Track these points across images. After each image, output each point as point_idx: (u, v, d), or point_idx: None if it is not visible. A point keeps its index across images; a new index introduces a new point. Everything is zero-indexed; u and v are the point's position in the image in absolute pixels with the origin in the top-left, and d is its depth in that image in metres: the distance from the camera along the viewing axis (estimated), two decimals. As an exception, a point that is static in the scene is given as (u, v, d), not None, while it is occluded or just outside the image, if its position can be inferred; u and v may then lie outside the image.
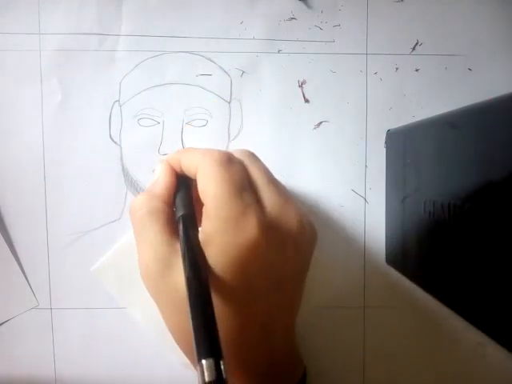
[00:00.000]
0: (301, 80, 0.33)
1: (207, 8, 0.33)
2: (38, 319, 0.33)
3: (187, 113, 0.33)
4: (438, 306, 0.32)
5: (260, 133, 0.33)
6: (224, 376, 0.17)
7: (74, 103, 0.33)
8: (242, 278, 0.22)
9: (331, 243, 0.33)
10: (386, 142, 0.33)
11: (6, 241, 0.32)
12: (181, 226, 0.23)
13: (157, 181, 0.26)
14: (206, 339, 0.18)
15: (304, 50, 0.33)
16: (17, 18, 0.32)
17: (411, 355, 0.34)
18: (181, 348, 0.25)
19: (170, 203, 0.25)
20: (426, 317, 0.33)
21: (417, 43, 0.33)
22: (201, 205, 0.23)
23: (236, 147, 0.33)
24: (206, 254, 0.22)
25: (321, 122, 0.33)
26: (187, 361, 0.25)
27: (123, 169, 0.33)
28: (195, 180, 0.24)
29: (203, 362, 0.17)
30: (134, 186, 0.33)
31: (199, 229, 0.23)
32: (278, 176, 0.33)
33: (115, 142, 0.33)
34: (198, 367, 0.17)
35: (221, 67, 0.33)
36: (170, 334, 0.25)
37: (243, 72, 0.33)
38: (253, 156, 0.26)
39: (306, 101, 0.33)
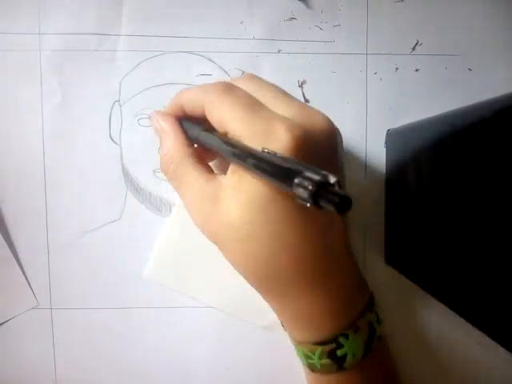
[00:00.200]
0: (301, 80, 0.33)
1: (207, 8, 0.33)
2: (37, 319, 0.33)
3: (187, 113, 0.33)
4: (438, 305, 0.32)
5: (260, 133, 0.33)
6: (323, 177, 0.17)
7: (74, 103, 0.33)
8: None
9: (331, 243, 0.33)
10: (385, 142, 0.33)
11: (7, 241, 0.32)
12: (215, 138, 0.24)
13: (167, 133, 0.26)
14: (283, 167, 0.19)
15: (304, 50, 0.33)
16: (17, 17, 0.32)
17: (411, 355, 0.34)
18: (252, 282, 0.24)
19: (191, 144, 0.26)
20: (426, 317, 0.33)
21: (417, 43, 0.33)
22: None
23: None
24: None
25: (321, 122, 0.33)
26: (267, 322, 0.27)
27: (123, 169, 0.33)
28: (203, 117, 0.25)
29: (296, 180, 0.17)
30: (134, 185, 0.33)
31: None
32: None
33: (115, 142, 0.33)
34: (295, 186, 0.17)
35: (221, 67, 0.33)
36: (247, 308, 0.27)
37: (243, 72, 0.33)
38: (254, 77, 0.26)
39: (306, 101, 0.33)
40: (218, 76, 0.33)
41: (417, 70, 0.33)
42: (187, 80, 0.33)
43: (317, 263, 0.23)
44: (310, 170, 0.17)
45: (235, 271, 0.24)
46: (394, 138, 0.32)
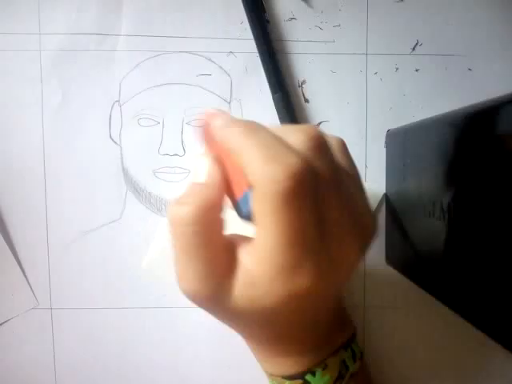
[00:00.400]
0: (301, 80, 0.33)
1: (207, 8, 0.33)
2: (37, 319, 0.33)
3: (187, 113, 0.33)
4: (438, 305, 0.32)
5: (260, 133, 0.33)
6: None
7: (74, 103, 0.33)
8: (289, 318, 0.21)
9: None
10: (386, 142, 0.33)
11: (6, 241, 0.32)
12: None
13: (206, 182, 0.20)
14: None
15: (304, 50, 0.33)
16: (17, 18, 0.32)
17: (411, 355, 0.34)
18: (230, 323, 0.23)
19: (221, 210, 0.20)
20: (426, 317, 0.33)
21: (417, 43, 0.33)
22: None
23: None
24: (251, 294, 0.19)
25: (321, 122, 0.33)
26: None
27: (123, 169, 0.33)
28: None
29: None
30: (134, 186, 0.33)
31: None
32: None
33: (115, 142, 0.33)
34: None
35: (221, 67, 0.33)
36: None
37: (243, 72, 0.33)
38: (344, 166, 0.21)
39: (306, 101, 0.33)
40: (218, 76, 0.33)
41: (417, 70, 0.33)
42: (187, 80, 0.33)
43: (298, 316, 0.21)
44: None
45: None
46: (393, 138, 0.32)
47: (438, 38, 0.33)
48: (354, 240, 0.20)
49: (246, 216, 0.20)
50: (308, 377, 0.24)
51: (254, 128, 0.20)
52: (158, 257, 0.33)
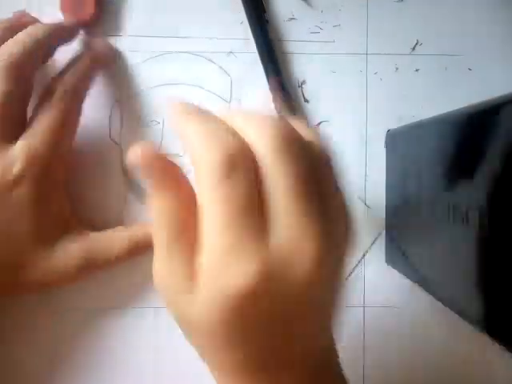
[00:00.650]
0: (301, 80, 0.33)
1: (207, 8, 0.33)
2: (39, 319, 0.33)
3: (187, 113, 0.33)
4: (437, 305, 0.32)
5: (260, 133, 0.33)
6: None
7: (74, 103, 0.33)
8: (237, 331, 0.17)
9: (331, 243, 0.33)
10: (385, 142, 0.33)
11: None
12: None
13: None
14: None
15: (304, 50, 0.33)
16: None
17: (411, 355, 0.34)
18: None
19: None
20: (426, 317, 0.33)
21: (417, 43, 0.33)
22: None
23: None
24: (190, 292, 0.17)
25: (321, 122, 0.33)
26: None
27: (123, 169, 0.33)
28: None
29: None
30: (134, 185, 0.33)
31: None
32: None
33: (115, 142, 0.33)
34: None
35: (221, 67, 0.33)
36: None
37: (243, 72, 0.33)
38: (290, 151, 0.17)
39: (306, 101, 0.33)
40: (218, 76, 0.33)
41: (417, 70, 0.33)
42: (187, 80, 0.33)
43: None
44: None
45: None
46: (393, 138, 0.32)
47: (438, 38, 0.33)
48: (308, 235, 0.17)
49: None
50: None
51: (198, 115, 0.19)
52: None
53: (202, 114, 0.19)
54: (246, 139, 0.18)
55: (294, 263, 0.16)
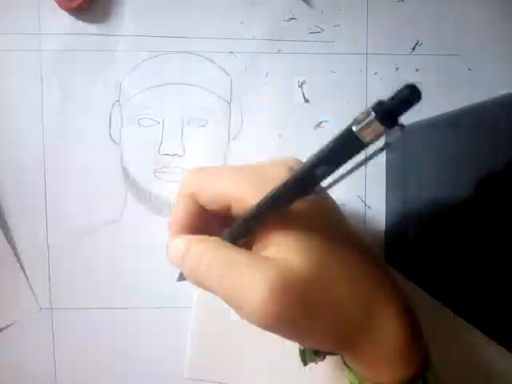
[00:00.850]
0: (301, 80, 0.33)
1: (207, 8, 0.33)
2: (38, 319, 0.33)
3: (187, 113, 0.33)
4: (437, 305, 0.32)
5: (260, 133, 0.33)
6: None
7: (74, 103, 0.33)
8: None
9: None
10: (386, 142, 0.33)
11: (7, 241, 0.32)
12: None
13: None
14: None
15: (304, 50, 0.33)
16: (17, 17, 0.32)
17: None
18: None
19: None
20: (426, 317, 0.33)
21: (417, 43, 0.33)
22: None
23: (236, 147, 0.33)
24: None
25: (321, 122, 0.33)
26: None
27: (123, 169, 0.33)
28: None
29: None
30: (134, 186, 0.33)
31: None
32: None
33: (115, 142, 0.33)
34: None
35: (221, 67, 0.33)
36: None
37: (243, 72, 0.33)
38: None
39: (306, 101, 0.33)
40: (218, 76, 0.33)
41: (417, 70, 0.33)
42: (187, 80, 0.33)
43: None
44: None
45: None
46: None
47: (438, 38, 0.33)
48: None
49: None
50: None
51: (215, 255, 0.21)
52: (197, 363, 0.33)
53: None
54: None
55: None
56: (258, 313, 0.18)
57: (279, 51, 0.33)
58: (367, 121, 0.16)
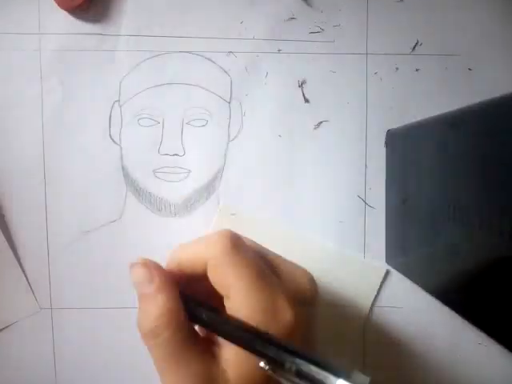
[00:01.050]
0: (301, 80, 0.33)
1: (207, 8, 0.33)
2: (38, 319, 0.33)
3: (187, 113, 0.33)
4: (438, 305, 0.32)
5: (260, 133, 0.33)
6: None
7: (74, 103, 0.33)
8: None
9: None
10: (386, 142, 0.33)
11: (8, 241, 0.32)
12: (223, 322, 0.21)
13: (160, 289, 0.22)
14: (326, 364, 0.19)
15: (304, 49, 0.33)
16: (17, 17, 0.32)
17: (411, 355, 0.34)
18: None
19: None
20: (426, 317, 0.33)
21: (417, 43, 0.33)
22: (217, 297, 0.22)
23: (236, 147, 0.33)
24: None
25: (321, 122, 0.33)
26: None
27: (123, 169, 0.33)
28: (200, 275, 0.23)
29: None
30: (134, 185, 0.33)
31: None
32: (279, 176, 0.33)
33: (115, 142, 0.33)
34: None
35: (221, 67, 0.33)
36: None
37: (243, 72, 0.33)
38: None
39: (306, 101, 0.33)
40: (218, 76, 0.33)
41: (417, 70, 0.33)
42: (187, 80, 0.33)
43: None
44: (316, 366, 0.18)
45: None
46: (393, 137, 0.32)
47: (438, 38, 0.33)
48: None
49: None
50: None
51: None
52: None
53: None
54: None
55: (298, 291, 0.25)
56: None
57: (279, 51, 0.33)
58: None
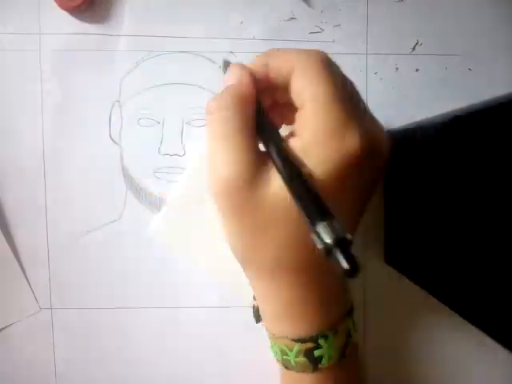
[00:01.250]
0: (301, 80, 0.33)
1: (207, 8, 0.33)
2: (38, 319, 0.33)
3: (187, 113, 0.33)
4: (437, 305, 0.32)
5: (260, 133, 0.33)
6: (342, 234, 0.17)
7: (74, 103, 0.33)
8: (339, 191, 0.21)
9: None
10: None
11: (8, 241, 0.32)
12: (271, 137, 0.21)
13: (243, 75, 0.23)
14: (317, 205, 0.18)
15: (304, 49, 0.33)
16: (17, 17, 0.32)
17: (411, 355, 0.34)
18: (248, 269, 0.24)
19: (254, 105, 0.22)
20: (426, 317, 0.33)
21: (417, 43, 0.33)
22: (291, 110, 0.22)
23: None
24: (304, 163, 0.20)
25: (321, 122, 0.33)
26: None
27: (123, 169, 0.33)
28: (283, 87, 0.22)
29: (319, 225, 0.17)
30: (134, 185, 0.33)
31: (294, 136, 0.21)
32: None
33: (115, 142, 0.33)
34: (314, 234, 0.17)
35: (221, 67, 0.33)
36: (241, 276, 0.24)
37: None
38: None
39: (306, 101, 0.33)
40: (218, 76, 0.33)
41: (417, 70, 0.33)
42: (187, 80, 0.33)
43: (314, 255, 0.20)
44: (333, 220, 0.17)
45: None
46: (393, 137, 0.32)
47: (438, 38, 0.33)
48: (379, 129, 0.24)
49: None
50: (320, 340, 0.23)
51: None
52: (168, 222, 0.33)
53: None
54: None
55: (376, 130, 0.23)
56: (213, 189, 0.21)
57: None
58: None
